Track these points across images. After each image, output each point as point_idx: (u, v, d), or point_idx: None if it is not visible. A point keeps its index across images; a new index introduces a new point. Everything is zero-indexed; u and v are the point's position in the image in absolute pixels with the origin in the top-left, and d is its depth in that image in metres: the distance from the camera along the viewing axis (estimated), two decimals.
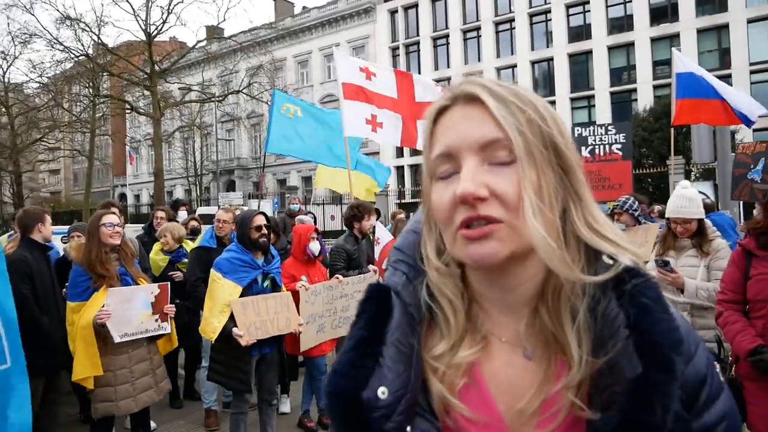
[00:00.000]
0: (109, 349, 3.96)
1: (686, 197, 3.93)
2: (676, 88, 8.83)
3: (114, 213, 4.27)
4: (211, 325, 4.21)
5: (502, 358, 0.81)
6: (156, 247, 6.12)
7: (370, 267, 5.81)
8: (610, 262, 0.75)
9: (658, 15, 32.61)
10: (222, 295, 4.19)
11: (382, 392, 0.75)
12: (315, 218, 9.40)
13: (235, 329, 4.08)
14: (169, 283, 4.40)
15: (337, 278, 5.27)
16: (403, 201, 31.15)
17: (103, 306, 3.87)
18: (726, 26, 30.67)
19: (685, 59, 9.40)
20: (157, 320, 4.16)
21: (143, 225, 6.99)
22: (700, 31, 31.29)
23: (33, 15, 65.42)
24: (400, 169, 39.13)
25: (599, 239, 0.77)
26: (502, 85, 0.79)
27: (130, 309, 4.01)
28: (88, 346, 3.86)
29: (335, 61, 7.54)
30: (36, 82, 27.84)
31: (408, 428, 0.76)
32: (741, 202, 10.36)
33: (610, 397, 0.70)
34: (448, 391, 0.79)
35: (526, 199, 0.72)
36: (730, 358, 3.37)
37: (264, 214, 4.50)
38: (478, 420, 0.78)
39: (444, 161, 0.78)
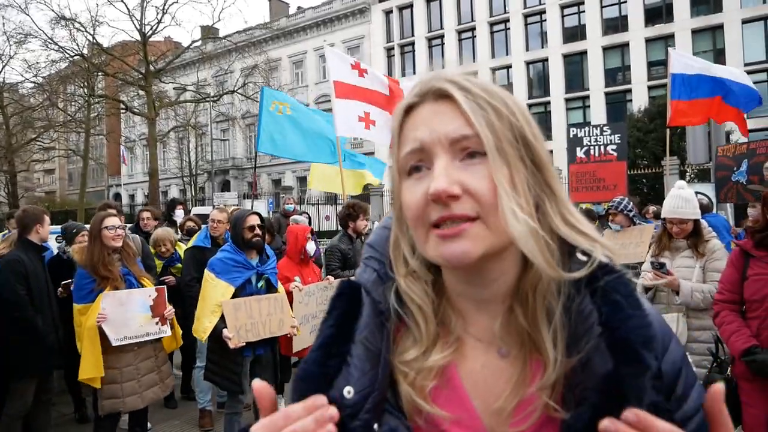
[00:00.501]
0: (117, 347, 4.02)
1: (683, 197, 3.94)
2: (671, 88, 8.84)
3: (115, 215, 4.27)
4: (202, 326, 4.21)
5: (477, 357, 0.80)
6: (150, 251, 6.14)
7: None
8: (584, 258, 0.75)
9: (653, 15, 32.70)
10: (214, 296, 4.18)
11: (348, 391, 0.75)
12: (310, 218, 9.37)
13: (224, 331, 4.07)
14: (165, 286, 4.41)
15: (329, 279, 5.28)
16: None
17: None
18: (721, 27, 30.78)
19: (682, 58, 9.37)
20: (157, 323, 4.19)
21: (129, 225, 6.99)
22: (695, 32, 31.38)
23: (28, 15, 65.25)
24: None
25: (576, 234, 0.77)
26: (470, 80, 0.78)
27: (128, 312, 4.03)
28: (93, 347, 3.93)
29: (327, 58, 7.44)
30: (31, 81, 27.68)
31: (375, 426, 0.76)
32: (732, 205, 10.37)
33: (581, 393, 0.70)
34: (417, 394, 0.78)
35: (502, 194, 0.72)
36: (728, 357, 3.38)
37: (258, 214, 4.50)
38: (452, 418, 0.77)
39: (414, 158, 0.77)
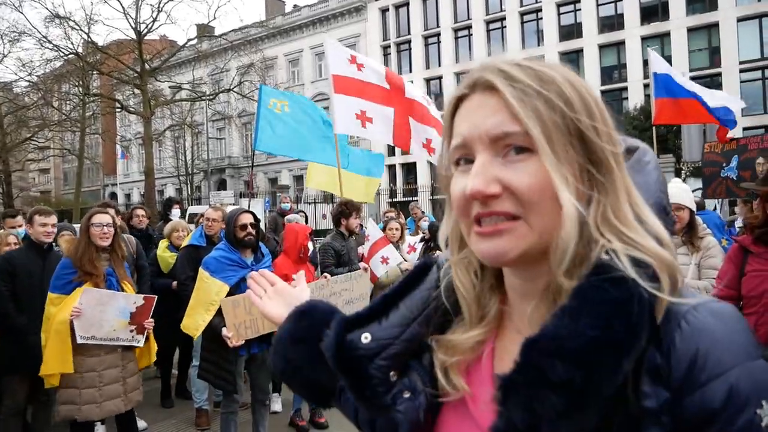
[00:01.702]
0: (81, 349, 3.88)
1: (680, 187, 3.97)
2: (654, 87, 8.91)
3: (106, 213, 4.24)
4: (194, 323, 4.19)
5: (513, 344, 0.79)
6: (162, 244, 6.21)
7: (361, 265, 5.81)
8: (605, 257, 0.69)
9: (649, 14, 32.73)
10: (209, 294, 4.16)
11: (365, 337, 0.85)
12: (306, 217, 9.37)
13: (224, 330, 4.05)
14: (156, 296, 4.30)
15: (325, 277, 5.27)
16: (395, 200, 31.15)
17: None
18: (716, 25, 30.82)
19: (659, 60, 9.43)
20: (132, 331, 4.06)
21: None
22: (691, 30, 31.43)
23: (22, 13, 64.99)
24: (392, 168, 39.11)
25: (613, 236, 0.70)
26: (523, 66, 0.74)
27: (104, 313, 3.92)
28: (61, 342, 3.81)
29: (326, 51, 7.33)
30: (25, 80, 27.62)
31: (392, 374, 0.85)
32: (723, 201, 10.39)
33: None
34: (445, 366, 0.83)
35: (562, 194, 0.69)
36: None
37: (251, 212, 4.49)
38: (470, 394, 0.81)
39: (459, 152, 0.77)
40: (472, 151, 0.74)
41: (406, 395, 0.84)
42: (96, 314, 3.89)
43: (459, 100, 0.79)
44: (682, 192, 3.95)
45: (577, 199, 0.70)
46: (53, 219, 4.63)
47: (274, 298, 1.24)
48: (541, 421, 0.64)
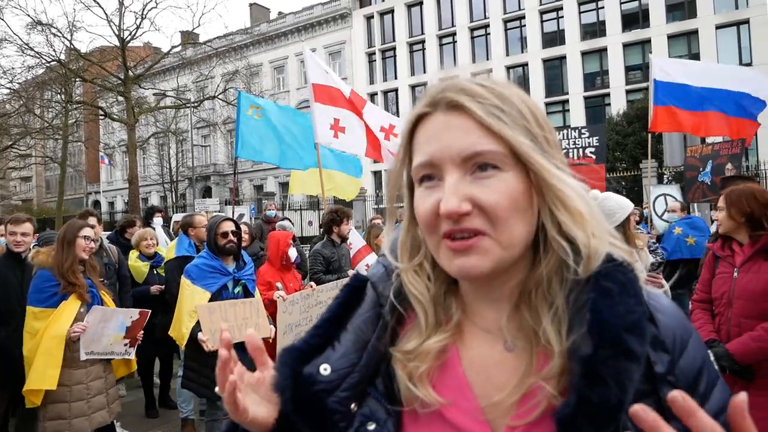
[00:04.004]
0: (68, 362, 3.79)
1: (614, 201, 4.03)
2: (653, 94, 8.73)
3: (94, 227, 4.19)
4: (179, 332, 4.17)
5: (482, 347, 0.81)
6: (133, 255, 6.08)
7: (350, 272, 5.81)
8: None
9: (630, 21, 33.19)
10: (190, 302, 4.15)
11: (324, 369, 0.79)
12: (293, 224, 9.33)
13: (199, 334, 4.02)
14: (150, 311, 4.30)
15: (311, 286, 5.26)
16: (381, 206, 31.13)
17: (78, 320, 3.80)
18: (695, 32, 31.32)
19: (665, 64, 9.23)
20: (126, 344, 4.08)
21: (108, 234, 6.92)
22: (671, 37, 31.92)
23: (2, 20, 64.11)
24: (377, 175, 39.15)
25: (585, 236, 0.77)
26: (484, 86, 0.77)
27: (105, 329, 3.93)
28: (52, 358, 3.67)
29: (305, 60, 7.49)
30: (6, 88, 27.21)
31: (353, 405, 0.80)
32: (710, 205, 10.51)
33: (571, 379, 0.70)
34: (411, 378, 0.79)
35: (510, 209, 0.73)
36: None
37: (232, 220, 4.48)
38: (445, 402, 0.78)
39: (425, 170, 0.77)
40: (441, 171, 0.75)
41: (371, 427, 0.78)
42: (98, 330, 3.89)
43: (419, 118, 0.80)
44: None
45: (540, 206, 0.77)
46: (24, 227, 4.53)
47: (250, 394, 0.87)
48: (626, 391, 0.68)
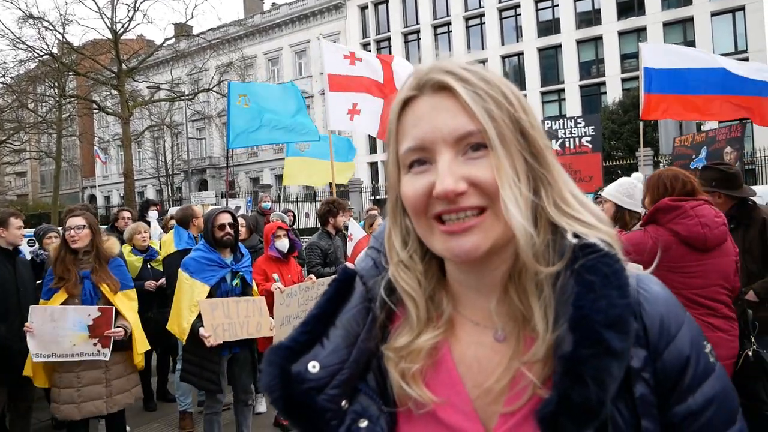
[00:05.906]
0: None
1: (613, 185, 4.01)
2: (644, 81, 8.64)
3: (78, 215, 4.09)
4: (179, 326, 4.16)
5: (471, 338, 0.81)
6: (126, 249, 6.01)
7: (348, 265, 5.79)
8: (574, 241, 0.74)
9: (625, 9, 33.12)
10: (190, 295, 4.13)
11: (313, 366, 0.77)
12: (295, 215, 9.30)
13: (201, 329, 4.03)
14: (113, 307, 3.99)
15: (311, 278, 5.24)
16: (377, 197, 31.13)
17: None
18: (691, 19, 31.31)
19: (656, 51, 9.04)
20: (95, 344, 3.87)
21: (104, 227, 6.88)
22: (666, 25, 31.89)
23: None
24: (373, 165, 39.13)
25: (570, 220, 0.76)
26: (469, 69, 0.76)
27: (58, 329, 3.82)
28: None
29: (321, 51, 7.49)
30: None
31: (343, 402, 0.78)
32: None
33: (553, 375, 0.70)
34: (404, 377, 0.78)
35: (504, 184, 0.72)
36: None
37: (229, 211, 4.46)
38: (438, 401, 0.77)
39: (416, 154, 0.76)
40: (433, 153, 0.75)
41: (363, 424, 0.77)
42: (50, 331, 3.81)
43: (406, 102, 0.79)
44: (610, 188, 4.04)
45: (528, 189, 0.74)
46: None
47: None
48: (606, 389, 0.67)
